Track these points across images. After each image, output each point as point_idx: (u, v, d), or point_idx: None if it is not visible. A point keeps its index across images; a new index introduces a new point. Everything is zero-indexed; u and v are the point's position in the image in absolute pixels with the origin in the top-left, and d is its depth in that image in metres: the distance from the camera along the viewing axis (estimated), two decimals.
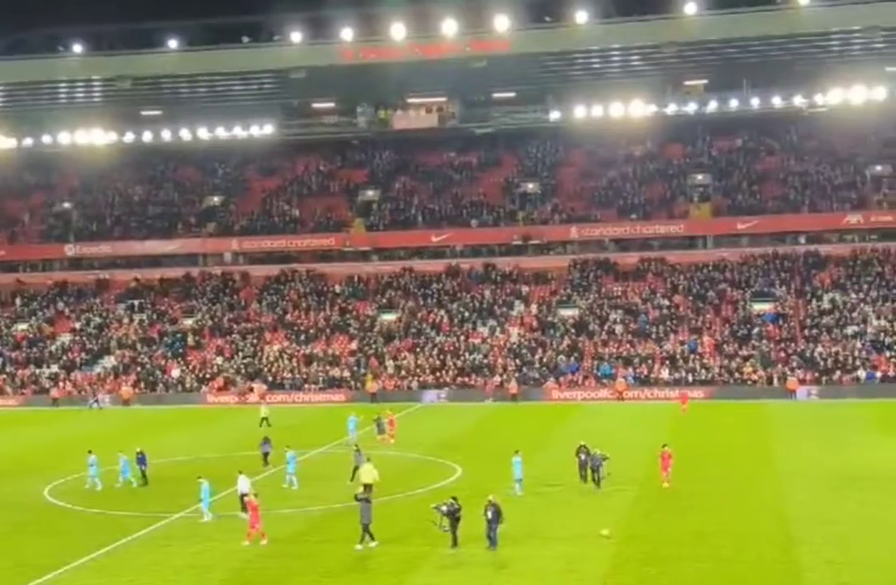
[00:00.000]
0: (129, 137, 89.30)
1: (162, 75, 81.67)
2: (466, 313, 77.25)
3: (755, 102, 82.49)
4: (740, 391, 65.40)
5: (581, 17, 73.61)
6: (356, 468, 39.95)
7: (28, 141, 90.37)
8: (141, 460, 41.46)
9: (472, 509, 35.05)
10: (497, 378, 69.16)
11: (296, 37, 77.45)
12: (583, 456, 38.66)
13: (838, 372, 66.30)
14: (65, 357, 77.85)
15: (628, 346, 71.53)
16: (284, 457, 40.70)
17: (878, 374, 65.82)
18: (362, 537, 31.03)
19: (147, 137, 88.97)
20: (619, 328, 73.43)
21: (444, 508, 30.84)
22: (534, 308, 77.18)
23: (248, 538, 31.66)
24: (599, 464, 37.99)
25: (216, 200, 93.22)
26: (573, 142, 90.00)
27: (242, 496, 35.06)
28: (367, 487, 36.77)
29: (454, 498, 31.06)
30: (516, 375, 69.44)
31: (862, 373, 65.93)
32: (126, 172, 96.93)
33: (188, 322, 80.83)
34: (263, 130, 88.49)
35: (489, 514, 30.50)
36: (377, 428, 51.65)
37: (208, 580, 28.47)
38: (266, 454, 45.61)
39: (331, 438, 51.55)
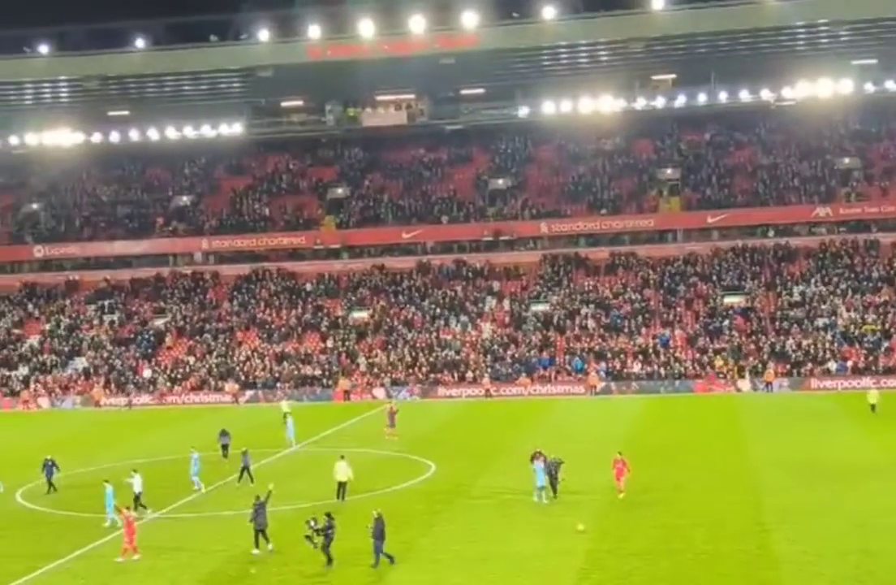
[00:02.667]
0: (97, 137, 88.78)
1: (129, 75, 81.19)
2: (438, 310, 77.21)
3: (723, 96, 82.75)
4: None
5: (549, 12, 73.77)
6: (244, 469, 40.27)
7: None
8: (49, 468, 40.11)
9: (446, 506, 35.12)
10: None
11: (263, 35, 77.23)
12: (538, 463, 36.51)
13: (809, 364, 66.66)
14: (35, 359, 77.28)
15: (600, 340, 71.68)
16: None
17: (849, 365, 66.19)
18: (257, 542, 30.56)
19: (115, 137, 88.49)
20: (590, 323, 73.58)
21: (313, 523, 29.28)
22: (505, 304, 77.24)
23: (122, 554, 30.17)
24: (556, 469, 36.24)
25: (185, 199, 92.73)
26: (542, 137, 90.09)
27: (138, 495, 35.47)
28: (342, 485, 36.75)
29: (328, 515, 29.45)
30: (488, 371, 69.47)
31: (832, 365, 66.29)
32: (94, 173, 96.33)
33: (159, 322, 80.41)
34: (232, 129, 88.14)
35: (372, 530, 28.93)
36: (389, 421, 50.92)
37: (182, 581, 28.33)
38: (225, 447, 45.88)
39: (300, 437, 51.44)
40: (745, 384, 65.71)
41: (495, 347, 72.25)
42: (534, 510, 34.44)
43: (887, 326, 69.12)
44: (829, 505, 33.65)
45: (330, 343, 75.18)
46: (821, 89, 79.74)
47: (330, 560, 29.11)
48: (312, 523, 29.40)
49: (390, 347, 73.85)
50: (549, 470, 36.06)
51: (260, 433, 54.38)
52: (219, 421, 57.89)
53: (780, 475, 38.67)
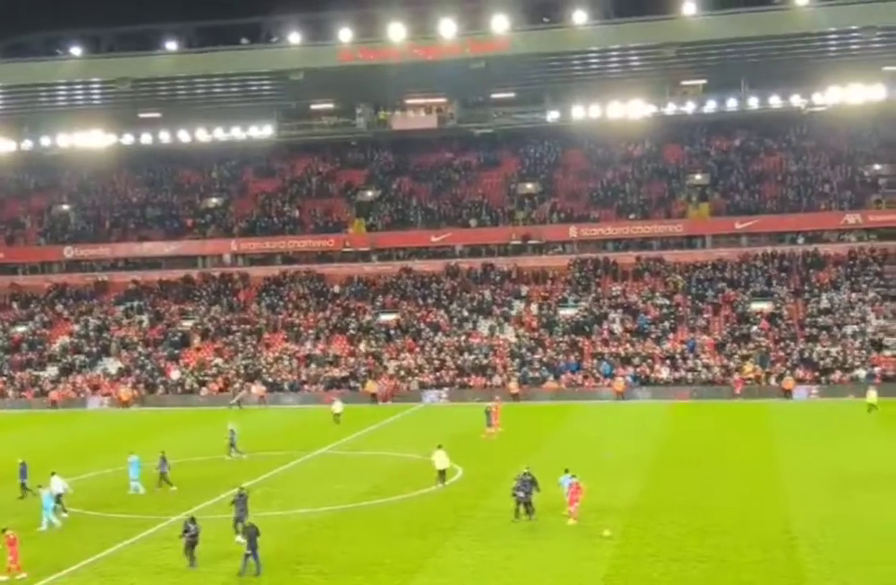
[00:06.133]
0: (128, 139, 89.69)
1: (160, 77, 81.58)
2: (466, 313, 77.29)
3: (753, 101, 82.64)
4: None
5: (580, 17, 73.61)
6: (163, 474, 40.21)
7: (27, 143, 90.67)
8: (22, 471, 39.91)
9: (471, 510, 35.09)
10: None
11: (294, 38, 77.41)
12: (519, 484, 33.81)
13: (837, 372, 66.32)
14: (64, 360, 77.85)
15: (628, 345, 71.57)
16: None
17: (877, 372, 65.80)
18: (237, 529, 31.33)
19: (146, 139, 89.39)
20: (618, 328, 73.49)
21: (187, 525, 29.71)
22: (533, 308, 77.23)
23: (7, 572, 28.98)
24: (532, 486, 33.81)
25: (215, 201, 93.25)
26: (572, 142, 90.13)
27: (58, 496, 35.71)
28: (442, 473, 38.82)
29: (191, 519, 29.92)
30: (516, 374, 69.46)
31: (861, 372, 65.93)
32: (125, 174, 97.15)
33: (187, 324, 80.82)
34: (262, 131, 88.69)
35: (244, 538, 28.94)
36: (487, 421, 51.37)
37: (212, 582, 28.51)
38: (232, 445, 46.50)
39: (328, 440, 51.65)
40: (773, 391, 65.44)
41: (523, 350, 72.26)
42: (559, 516, 34.38)
43: None
44: (857, 515, 33.44)
45: (358, 346, 75.35)
46: (852, 95, 79.51)
47: (192, 562, 29.43)
48: (188, 524, 29.79)
49: (418, 350, 73.97)
50: (521, 488, 33.63)
51: (287, 435, 54.74)
52: (243, 423, 58.24)
53: (808, 483, 38.47)
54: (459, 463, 43.64)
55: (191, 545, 29.60)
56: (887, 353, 67.57)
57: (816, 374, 66.59)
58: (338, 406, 59.00)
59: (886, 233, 79.19)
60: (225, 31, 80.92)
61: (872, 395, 56.98)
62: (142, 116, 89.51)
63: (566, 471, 34.68)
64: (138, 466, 39.93)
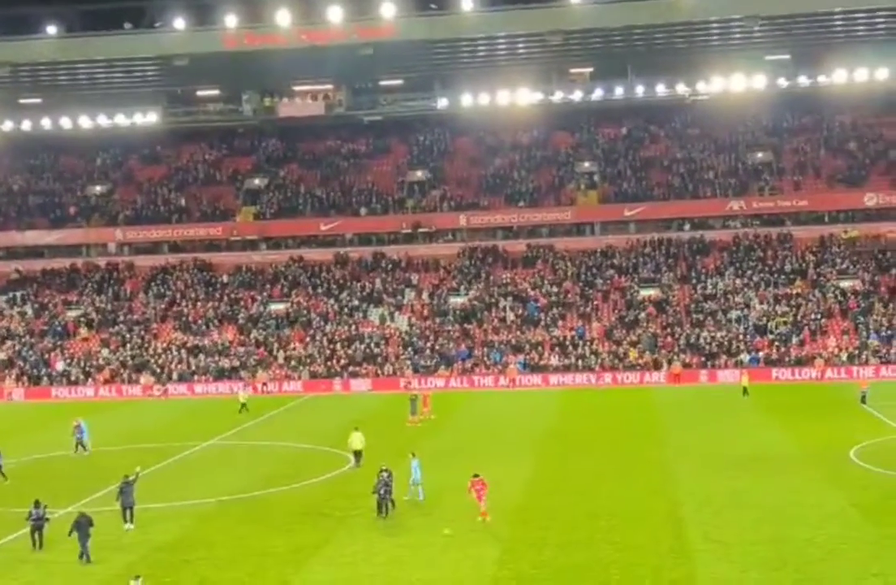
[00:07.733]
0: (8, 125, 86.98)
1: (41, 62, 79.51)
2: (356, 302, 76.97)
3: (640, 89, 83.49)
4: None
5: (467, 4, 73.68)
6: None
7: None
8: None
9: (363, 498, 34.93)
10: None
11: (178, 23, 76.05)
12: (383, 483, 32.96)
13: (723, 356, 67.62)
14: None
15: (518, 333, 72.00)
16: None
17: (761, 357, 67.30)
18: (125, 517, 31.95)
19: (26, 125, 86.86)
20: (508, 315, 73.86)
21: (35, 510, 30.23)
22: (424, 296, 77.24)
23: None
24: (389, 481, 32.96)
25: (99, 189, 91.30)
26: (461, 129, 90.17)
27: None
28: (357, 453, 40.05)
29: (37, 503, 30.20)
30: (408, 363, 69.39)
31: (745, 356, 67.35)
32: (5, 162, 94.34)
33: (72, 314, 79.07)
34: (147, 118, 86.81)
35: (75, 526, 29.11)
36: (411, 409, 51.66)
37: (105, 572, 27.94)
38: (80, 442, 45.41)
39: (219, 430, 51.04)
40: (660, 377, 66.54)
41: (414, 339, 72.21)
42: (451, 503, 34.44)
43: (798, 318, 70.43)
44: (742, 496, 34.17)
45: (247, 335, 74.55)
46: (734, 84, 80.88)
47: (33, 545, 30.00)
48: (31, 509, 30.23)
49: (308, 339, 73.45)
50: (382, 487, 32.85)
51: (177, 427, 53.96)
52: (131, 414, 57.40)
53: (694, 466, 39.14)
54: (350, 453, 43.42)
55: (37, 528, 30.04)
56: (770, 337, 69.12)
57: (703, 359, 67.82)
58: (242, 396, 58.92)
59: (769, 219, 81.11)
60: (108, 15, 78.97)
61: (745, 379, 59.15)
62: (22, 101, 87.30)
63: (413, 455, 35.38)
64: None
